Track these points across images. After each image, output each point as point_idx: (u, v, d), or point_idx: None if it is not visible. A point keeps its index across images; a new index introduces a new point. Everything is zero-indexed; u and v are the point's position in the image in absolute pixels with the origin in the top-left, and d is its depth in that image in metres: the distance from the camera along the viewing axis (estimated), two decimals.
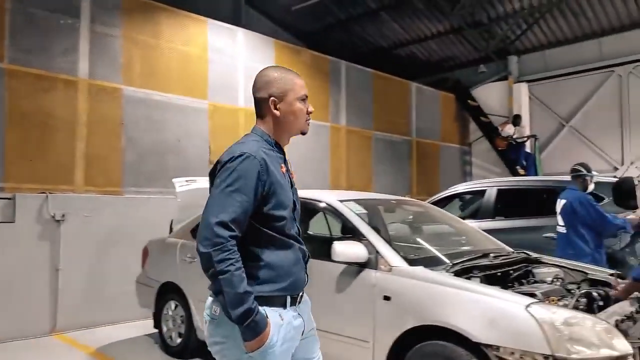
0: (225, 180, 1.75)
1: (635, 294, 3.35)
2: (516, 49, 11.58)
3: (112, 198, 6.04)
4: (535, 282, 3.58)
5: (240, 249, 1.74)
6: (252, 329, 1.70)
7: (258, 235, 1.82)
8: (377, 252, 3.29)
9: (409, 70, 12.59)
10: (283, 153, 1.97)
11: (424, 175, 10.99)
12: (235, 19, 10.39)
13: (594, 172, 4.74)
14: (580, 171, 4.77)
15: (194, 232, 4.81)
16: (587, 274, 3.75)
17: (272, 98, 1.89)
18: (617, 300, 3.25)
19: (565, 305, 2.96)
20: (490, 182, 6.62)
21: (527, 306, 2.62)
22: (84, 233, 5.68)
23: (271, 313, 1.80)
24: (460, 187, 6.90)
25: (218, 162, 1.82)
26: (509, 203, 6.12)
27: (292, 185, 1.96)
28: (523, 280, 3.57)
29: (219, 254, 1.67)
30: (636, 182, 3.52)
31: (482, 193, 6.38)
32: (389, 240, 3.48)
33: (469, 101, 11.88)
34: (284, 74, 1.93)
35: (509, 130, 11.08)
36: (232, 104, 7.44)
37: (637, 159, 10.10)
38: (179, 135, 6.85)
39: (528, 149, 11.27)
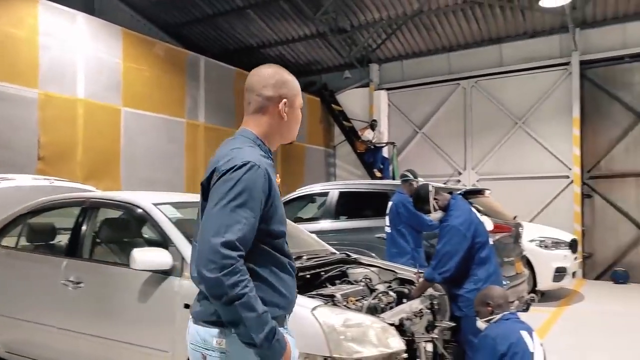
0: (227, 193, 1.54)
1: (430, 290, 3.64)
2: (377, 57, 12.19)
3: None
4: (349, 282, 3.72)
5: None
6: (278, 349, 1.55)
7: (260, 254, 1.64)
8: (184, 258, 3.18)
9: None
10: (272, 160, 1.82)
11: (289, 176, 11.10)
12: (87, 4, 9.60)
13: (419, 178, 5.11)
14: (407, 176, 5.11)
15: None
16: (397, 273, 3.99)
17: (284, 100, 1.77)
18: (412, 298, 3.49)
19: (360, 306, 3.10)
20: (333, 184, 6.86)
21: (313, 309, 2.67)
22: None
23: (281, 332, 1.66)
24: (309, 189, 7.03)
25: (214, 170, 1.60)
26: (349, 205, 6.36)
27: None
28: (337, 281, 3.68)
29: (230, 278, 1.48)
30: (431, 189, 3.84)
31: (326, 195, 6.56)
32: None
33: (333, 105, 12.24)
34: (293, 78, 1.84)
35: (368, 135, 11.62)
36: (69, 94, 6.82)
37: (477, 165, 11.16)
38: (0, 127, 6.10)
39: (385, 154, 11.92)
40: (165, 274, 3.17)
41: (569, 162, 10.05)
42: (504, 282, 5.27)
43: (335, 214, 6.39)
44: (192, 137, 8.83)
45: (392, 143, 11.87)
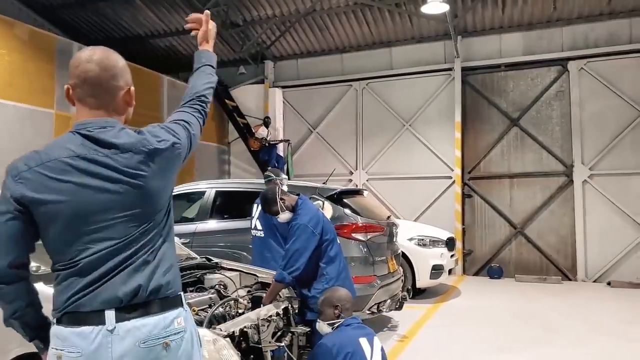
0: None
1: (284, 291, 3.51)
2: (272, 54, 12.03)
3: None
4: (204, 289, 3.51)
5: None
6: None
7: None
8: None
9: (169, 61, 12.08)
10: None
11: (178, 173, 10.52)
12: None
13: (283, 176, 4.99)
14: (270, 176, 4.94)
15: None
16: (257, 277, 3.82)
17: (131, 88, 1.66)
18: (264, 303, 3.33)
19: (203, 317, 2.88)
20: (208, 184, 6.56)
21: None
22: None
23: None
24: (183, 188, 6.64)
25: (156, 151, 1.59)
26: (227, 205, 6.11)
27: None
28: (189, 289, 3.45)
29: None
30: (277, 190, 3.80)
31: (203, 194, 6.24)
32: None
33: (227, 100, 11.88)
34: None
35: (262, 132, 11.42)
36: None
37: (367, 165, 11.39)
38: None
39: (281, 152, 11.79)
40: None
41: (451, 164, 10.56)
42: (376, 282, 5.32)
43: (213, 214, 6.10)
44: (62, 130, 7.92)
45: (287, 141, 11.77)
